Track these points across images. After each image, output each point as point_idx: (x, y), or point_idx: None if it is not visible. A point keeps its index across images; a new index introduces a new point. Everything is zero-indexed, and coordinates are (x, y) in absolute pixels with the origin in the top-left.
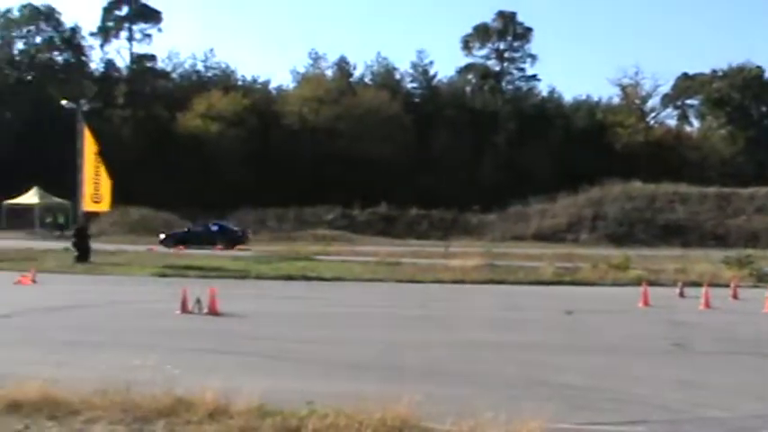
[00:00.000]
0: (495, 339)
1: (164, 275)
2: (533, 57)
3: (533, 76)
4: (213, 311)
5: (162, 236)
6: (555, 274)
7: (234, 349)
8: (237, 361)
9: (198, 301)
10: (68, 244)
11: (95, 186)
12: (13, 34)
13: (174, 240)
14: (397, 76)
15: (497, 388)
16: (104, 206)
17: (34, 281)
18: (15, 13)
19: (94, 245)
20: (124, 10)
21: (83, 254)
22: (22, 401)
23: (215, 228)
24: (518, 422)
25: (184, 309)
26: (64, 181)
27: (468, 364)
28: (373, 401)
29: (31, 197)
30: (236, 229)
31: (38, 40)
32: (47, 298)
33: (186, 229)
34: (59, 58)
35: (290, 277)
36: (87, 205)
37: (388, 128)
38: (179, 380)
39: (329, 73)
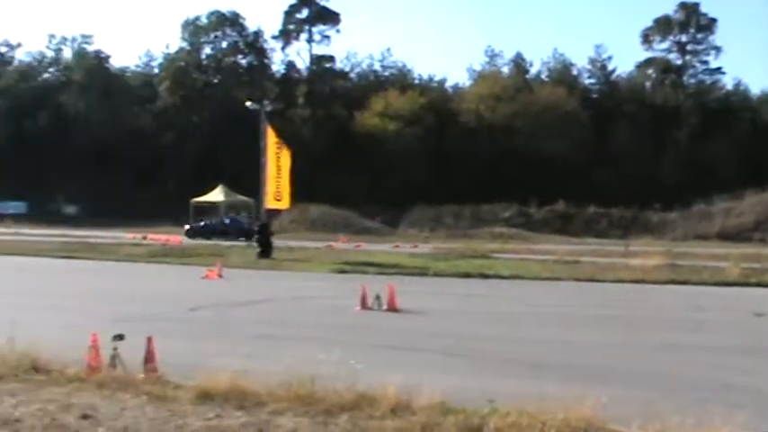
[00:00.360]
0: (679, 340)
1: (342, 272)
2: (717, 49)
3: (717, 69)
4: (392, 308)
5: (186, 227)
6: (741, 274)
7: (413, 346)
8: (417, 357)
9: (377, 297)
10: (251, 240)
11: (277, 184)
12: (201, 40)
13: (195, 232)
14: (575, 72)
15: (682, 391)
16: (285, 204)
17: (220, 276)
18: (203, 21)
19: (276, 241)
20: (304, 13)
21: (265, 250)
22: (212, 392)
23: (227, 221)
24: (708, 427)
25: (364, 305)
26: (247, 179)
27: (651, 365)
28: (555, 401)
29: (216, 195)
30: (245, 222)
31: (223, 44)
32: (233, 292)
33: (203, 223)
34: (243, 62)
35: (467, 275)
36: (269, 203)
37: (565, 125)
38: (361, 375)
39: (505, 70)
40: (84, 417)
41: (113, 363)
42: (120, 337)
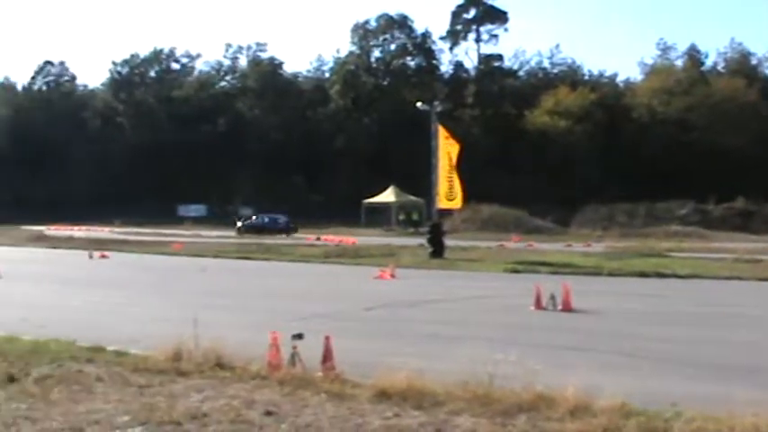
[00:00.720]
0: None
1: (515, 271)
2: None
3: None
4: (567, 308)
5: (238, 224)
6: None
7: (590, 346)
8: (595, 358)
9: (552, 297)
10: (423, 240)
11: (449, 184)
12: (371, 43)
13: (245, 229)
14: (754, 62)
15: None
16: (457, 204)
17: (393, 276)
18: (372, 24)
19: (447, 241)
20: (472, 12)
21: (437, 250)
22: (390, 391)
23: (266, 219)
24: None
25: (538, 305)
26: (418, 180)
27: None
28: (742, 406)
29: (387, 196)
30: (280, 221)
31: (392, 47)
32: (406, 292)
33: (249, 222)
34: (412, 63)
35: (643, 274)
36: (441, 203)
37: (744, 117)
38: (538, 375)
39: (679, 63)
40: (268, 413)
41: (293, 361)
42: (299, 337)
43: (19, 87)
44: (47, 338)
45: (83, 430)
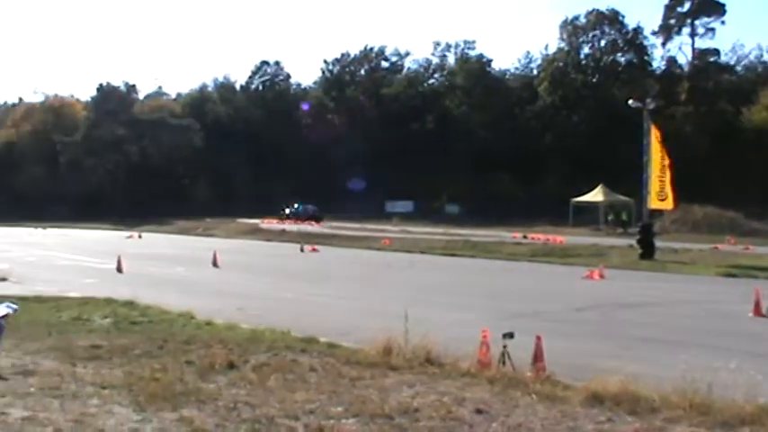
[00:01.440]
0: None
1: (730, 275)
2: None
3: None
4: None
5: (281, 212)
6: None
7: None
8: None
9: None
10: (632, 241)
11: (661, 184)
12: (580, 40)
13: (286, 216)
14: None
15: None
16: (669, 204)
17: (602, 276)
18: (582, 20)
19: (657, 242)
20: (686, 6)
21: (647, 251)
22: (602, 394)
23: (300, 209)
24: None
25: (758, 311)
26: (627, 179)
27: None
28: None
29: (596, 195)
30: (309, 210)
31: (602, 43)
32: (616, 293)
33: (290, 210)
34: (622, 59)
35: None
36: (652, 203)
37: None
38: (760, 387)
39: None
40: (478, 411)
41: (503, 360)
42: (509, 336)
43: (237, 87)
44: (263, 327)
45: (299, 419)
